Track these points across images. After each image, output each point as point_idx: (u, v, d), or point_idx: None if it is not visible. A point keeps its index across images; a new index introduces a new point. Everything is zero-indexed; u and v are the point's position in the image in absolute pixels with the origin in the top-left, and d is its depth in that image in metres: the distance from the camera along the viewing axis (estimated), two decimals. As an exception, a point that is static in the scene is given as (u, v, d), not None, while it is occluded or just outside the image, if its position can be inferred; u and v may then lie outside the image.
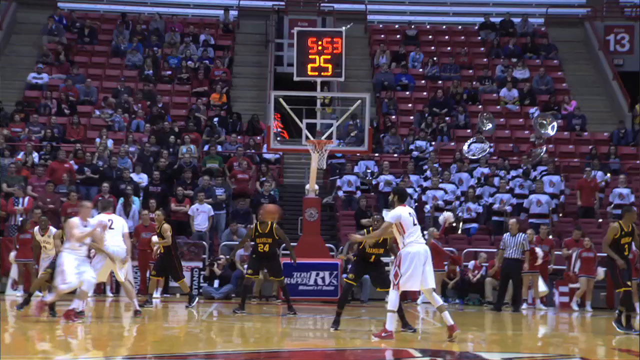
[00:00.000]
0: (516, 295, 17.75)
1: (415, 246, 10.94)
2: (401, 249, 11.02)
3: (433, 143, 24.34)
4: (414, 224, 11.02)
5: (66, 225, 12.79)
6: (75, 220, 12.62)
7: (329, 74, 19.19)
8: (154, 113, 24.62)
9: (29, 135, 23.14)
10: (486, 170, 22.72)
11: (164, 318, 15.37)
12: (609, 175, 22.90)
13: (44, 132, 23.33)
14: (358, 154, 22.70)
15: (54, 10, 28.80)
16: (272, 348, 10.90)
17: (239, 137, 24.06)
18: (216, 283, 18.86)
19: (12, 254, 18.31)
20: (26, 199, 19.76)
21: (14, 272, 18.33)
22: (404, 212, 11.04)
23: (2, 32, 28.31)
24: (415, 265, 10.89)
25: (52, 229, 15.76)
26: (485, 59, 28.85)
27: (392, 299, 11.08)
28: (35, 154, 22.12)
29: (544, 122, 19.62)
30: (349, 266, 14.40)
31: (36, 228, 16.43)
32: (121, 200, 20.05)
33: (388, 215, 11.37)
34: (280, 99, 18.91)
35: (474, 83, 27.28)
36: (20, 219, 19.06)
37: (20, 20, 29.41)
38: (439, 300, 11.23)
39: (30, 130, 23.38)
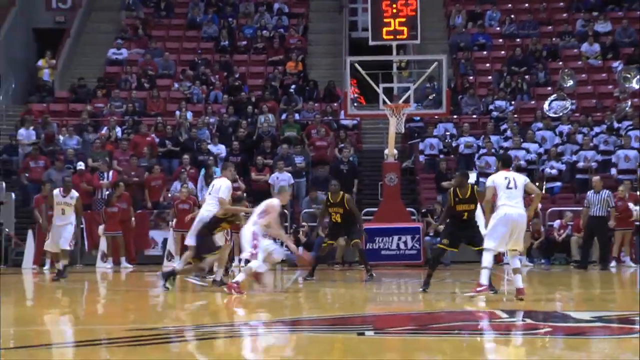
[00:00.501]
0: (604, 254, 17.42)
1: (504, 209, 11.10)
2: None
3: (513, 102, 23.93)
4: (508, 187, 11.17)
5: (269, 207, 12.36)
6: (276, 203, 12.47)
7: (405, 36, 19.00)
8: (231, 84, 24.81)
9: (112, 110, 23.59)
10: (568, 128, 22.24)
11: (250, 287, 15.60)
12: None
13: (126, 106, 23.76)
14: (436, 117, 22.47)
15: (131, -14, 29.18)
16: (357, 313, 10.96)
17: (316, 105, 24.08)
18: (300, 250, 18.96)
19: (101, 227, 18.75)
20: (111, 172, 20.18)
21: (103, 245, 18.79)
22: (497, 177, 11.35)
23: (82, 10, 28.86)
24: (501, 227, 11.06)
25: (74, 192, 15.61)
26: (565, 14, 28.13)
27: (486, 256, 11.28)
28: (118, 129, 22.55)
29: (628, 75, 19.14)
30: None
31: (57, 190, 15.80)
32: (202, 171, 20.31)
33: (488, 180, 11.68)
34: (356, 65, 18.82)
35: (554, 39, 26.65)
36: (107, 192, 19.48)
37: (98, -3, 29.95)
38: (517, 263, 11.35)
39: (112, 105, 23.83)
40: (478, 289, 11.31)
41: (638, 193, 18.92)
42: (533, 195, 11.67)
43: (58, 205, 15.40)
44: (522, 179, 11.43)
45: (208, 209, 12.87)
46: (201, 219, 12.92)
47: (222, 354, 8.03)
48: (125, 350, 8.01)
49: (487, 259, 11.27)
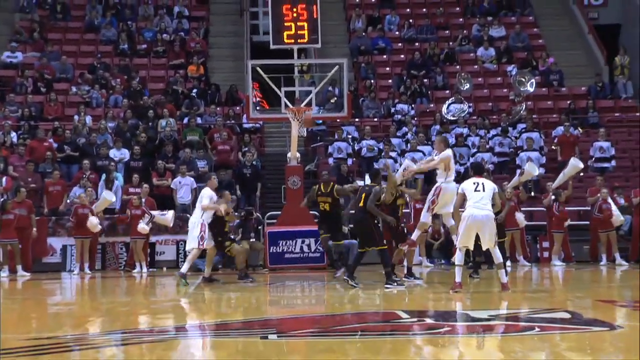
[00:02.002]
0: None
1: (470, 210, 12.30)
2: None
3: (413, 106, 24.36)
4: (476, 190, 12.33)
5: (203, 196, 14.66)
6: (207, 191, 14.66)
7: (306, 40, 19.12)
8: (131, 88, 24.48)
9: (6, 114, 22.96)
10: (465, 130, 22.78)
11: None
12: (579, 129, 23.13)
13: (21, 111, 23.16)
14: (338, 120, 22.68)
15: (25, -13, 28.47)
16: (261, 316, 10.98)
17: (218, 109, 23.98)
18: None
19: None
20: (4, 179, 19.64)
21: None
22: (466, 183, 12.55)
23: (-26, 12, 28.02)
24: (467, 226, 12.28)
25: None
26: (461, 19, 28.82)
27: (458, 255, 12.53)
28: (13, 134, 21.96)
29: (523, 79, 19.66)
30: None
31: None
32: (103, 176, 19.99)
33: (460, 186, 12.74)
34: (258, 68, 18.84)
35: (451, 43, 27.26)
36: (1, 199, 18.95)
37: (-10, -1, 29.11)
38: (499, 258, 12.47)
39: (7, 109, 23.19)
40: (455, 287, 12.29)
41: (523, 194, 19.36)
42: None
43: None
44: (491, 185, 12.53)
45: (195, 216, 14.95)
46: (192, 227, 14.85)
47: (123, 361, 7.94)
48: (23, 361, 7.84)
49: (458, 257, 12.46)
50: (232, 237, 16.95)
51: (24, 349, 8.31)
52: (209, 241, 14.87)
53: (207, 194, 14.90)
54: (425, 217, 13.75)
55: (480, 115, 23.94)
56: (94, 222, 18.05)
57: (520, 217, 18.33)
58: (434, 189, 13.67)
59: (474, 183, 12.44)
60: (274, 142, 24.55)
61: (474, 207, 12.28)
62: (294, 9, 18.81)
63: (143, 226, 18.21)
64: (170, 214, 17.97)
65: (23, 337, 9.12)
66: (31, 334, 9.53)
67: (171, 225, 18.34)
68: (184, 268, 14.94)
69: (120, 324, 10.36)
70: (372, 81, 25.73)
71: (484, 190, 12.34)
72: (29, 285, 16.59)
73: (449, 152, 13.58)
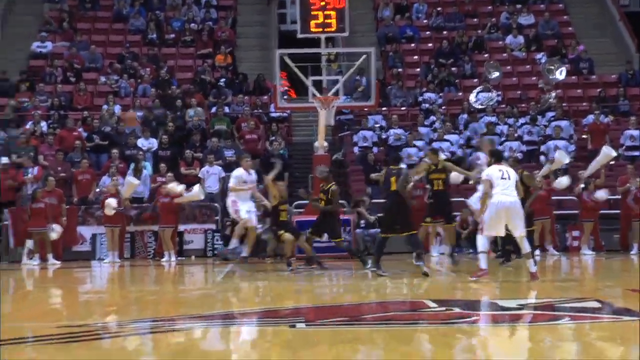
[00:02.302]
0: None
1: (497, 197, 12.30)
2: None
3: (441, 94, 24.25)
4: (502, 178, 12.37)
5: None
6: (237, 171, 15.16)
7: (333, 29, 19.07)
8: (160, 77, 24.58)
9: (36, 104, 23.14)
10: (494, 119, 22.64)
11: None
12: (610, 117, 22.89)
13: (51, 100, 23.34)
14: (366, 109, 22.63)
15: (54, -23, 28.64)
16: (289, 305, 11.01)
17: (245, 98, 24.01)
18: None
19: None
20: (35, 168, 19.82)
21: (29, 242, 18.44)
22: (492, 170, 12.56)
23: (4, 2, 28.21)
24: (495, 213, 12.28)
25: None
26: (489, 7, 28.60)
27: (482, 240, 12.57)
28: (43, 123, 22.14)
29: (552, 67, 19.52)
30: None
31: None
32: (132, 165, 20.11)
33: (483, 173, 12.89)
34: (286, 57, 18.82)
35: (480, 31, 27.07)
36: (33, 188, 19.11)
37: (21, -11, 29.33)
38: (527, 248, 12.46)
39: (37, 99, 23.38)
40: (479, 273, 12.34)
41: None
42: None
43: None
44: (514, 173, 12.64)
45: (227, 198, 15.54)
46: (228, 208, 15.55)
47: (151, 350, 7.99)
48: (55, 348, 7.92)
49: (483, 244, 12.49)
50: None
51: (55, 336, 8.40)
52: (245, 217, 15.15)
53: (234, 174, 15.34)
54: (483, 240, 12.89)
55: (509, 104, 23.78)
56: (112, 204, 18.08)
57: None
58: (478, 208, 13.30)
59: (500, 170, 12.48)
60: (302, 131, 24.55)
61: (501, 193, 12.29)
62: (322, -2, 18.75)
63: (173, 186, 18.20)
64: (196, 188, 18.01)
65: (54, 325, 9.21)
66: (62, 322, 9.62)
67: (202, 197, 18.30)
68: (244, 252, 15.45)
69: (149, 313, 10.43)
70: (400, 70, 25.63)
71: (509, 178, 12.38)
72: (60, 274, 16.75)
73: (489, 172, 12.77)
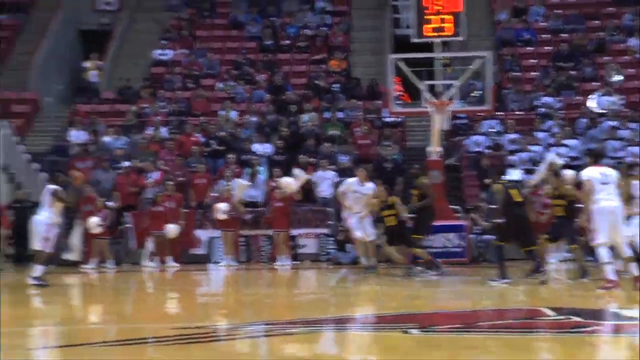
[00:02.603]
0: None
1: (601, 202, 11.84)
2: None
3: (560, 99, 23.65)
4: (603, 182, 11.89)
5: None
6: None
7: (449, 33, 18.88)
8: (274, 83, 24.89)
9: (156, 110, 23.78)
10: (616, 123, 21.92)
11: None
12: None
13: (170, 106, 23.94)
14: (481, 114, 22.30)
15: (175, -14, 29.40)
16: (402, 311, 10.93)
17: (359, 103, 24.04)
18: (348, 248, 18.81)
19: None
20: (156, 173, 20.35)
21: (149, 244, 18.95)
22: (592, 172, 12.05)
23: (127, 12, 29.17)
24: (603, 220, 11.82)
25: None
26: (611, 8, 27.72)
27: (602, 252, 11.93)
28: (163, 129, 22.73)
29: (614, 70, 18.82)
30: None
31: None
32: (247, 170, 20.41)
33: (582, 174, 12.38)
34: (400, 62, 18.74)
35: (601, 34, 26.29)
36: (153, 192, 19.60)
37: (143, -2, 30.28)
38: (627, 251, 12.11)
39: (157, 105, 24.03)
40: (608, 285, 11.82)
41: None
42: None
43: None
44: (614, 173, 12.16)
45: None
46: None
47: (265, 353, 8.06)
48: (173, 349, 8.08)
49: (604, 254, 11.89)
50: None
51: (173, 337, 8.58)
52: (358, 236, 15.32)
53: (346, 181, 15.97)
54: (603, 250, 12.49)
55: (632, 107, 22.98)
56: (221, 209, 18.48)
57: None
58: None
59: (600, 173, 12.06)
60: (415, 136, 24.38)
61: (606, 199, 11.89)
62: (438, 2, 18.60)
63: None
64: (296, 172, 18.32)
65: (172, 327, 9.42)
66: (180, 324, 9.83)
67: (296, 187, 18.44)
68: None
69: (264, 316, 10.54)
70: (517, 73, 25.15)
71: (610, 182, 11.97)
72: (178, 276, 17.16)
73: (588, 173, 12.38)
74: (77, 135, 22.28)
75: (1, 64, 26.83)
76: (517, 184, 13.68)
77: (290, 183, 18.25)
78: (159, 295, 14.06)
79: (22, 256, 19.34)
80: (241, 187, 18.89)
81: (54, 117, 24.98)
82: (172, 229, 18.53)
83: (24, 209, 19.16)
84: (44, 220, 14.07)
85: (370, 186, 16.00)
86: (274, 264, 18.62)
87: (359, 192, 15.50)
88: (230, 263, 18.61)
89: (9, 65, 27.12)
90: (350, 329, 9.45)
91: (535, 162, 20.16)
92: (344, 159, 21.23)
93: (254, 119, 22.98)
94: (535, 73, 25.50)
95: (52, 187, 14.30)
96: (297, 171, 18.56)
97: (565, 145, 21.00)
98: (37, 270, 14.05)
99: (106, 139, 22.33)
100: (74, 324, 10.13)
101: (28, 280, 14.01)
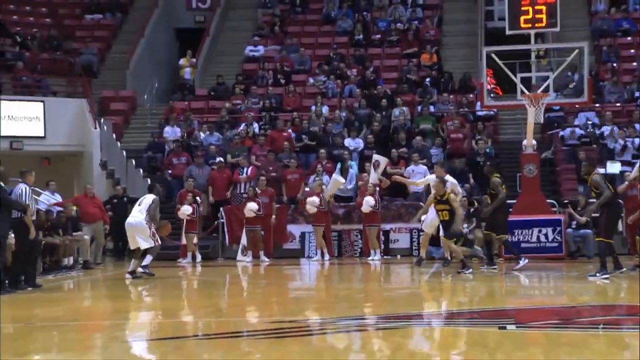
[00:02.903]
0: None
1: None
2: None
3: (660, 89, 22.92)
4: None
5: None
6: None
7: (543, 24, 18.50)
8: (366, 77, 24.86)
9: (249, 106, 24.05)
10: None
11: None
12: None
13: (262, 102, 24.17)
14: (577, 106, 21.80)
15: (267, -16, 29.65)
16: (499, 306, 10.78)
17: (451, 96, 23.80)
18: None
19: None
20: (249, 168, 20.58)
21: (243, 239, 19.17)
22: None
23: (220, 9, 29.59)
24: None
25: None
26: None
27: None
28: (255, 125, 22.97)
29: None
30: None
31: None
32: (339, 164, 20.44)
33: None
34: (493, 55, 18.47)
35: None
36: (250, 186, 19.77)
37: (236, -4, 30.66)
38: None
39: (249, 101, 24.29)
40: None
41: None
42: None
43: None
44: None
45: None
46: None
47: (359, 347, 8.06)
48: (268, 342, 8.16)
49: None
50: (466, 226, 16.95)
51: (268, 331, 8.66)
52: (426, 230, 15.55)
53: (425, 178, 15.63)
54: None
55: None
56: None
57: None
58: None
59: None
60: (509, 130, 24.00)
61: None
62: (532, -8, 18.24)
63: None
64: (333, 176, 18.45)
65: (267, 320, 9.51)
66: (274, 317, 9.92)
67: (343, 181, 18.68)
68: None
69: (356, 311, 10.55)
70: (615, 64, 24.48)
71: None
72: (271, 271, 17.32)
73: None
74: (171, 132, 22.72)
75: (100, 63, 27.54)
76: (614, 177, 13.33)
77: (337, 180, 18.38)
78: (253, 289, 14.22)
79: (121, 251, 19.89)
80: (336, 183, 18.92)
81: (151, 114, 25.54)
82: (250, 207, 18.66)
83: (123, 205, 19.67)
84: (141, 222, 14.58)
85: (452, 180, 15.80)
86: (366, 258, 18.61)
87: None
88: (323, 257, 18.65)
89: (107, 64, 27.86)
90: (444, 324, 9.37)
91: (635, 155, 19.64)
92: (437, 153, 21.06)
93: (345, 114, 23.00)
94: (634, 64, 24.79)
95: (153, 197, 14.87)
96: (376, 157, 18.52)
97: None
98: (147, 259, 14.72)
99: (200, 135, 22.70)
100: (169, 317, 10.34)
101: (138, 269, 14.57)
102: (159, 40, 28.75)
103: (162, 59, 28.59)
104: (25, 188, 13.05)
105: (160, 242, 14.94)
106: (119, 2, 29.98)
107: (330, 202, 19.02)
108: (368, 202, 18.27)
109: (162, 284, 14.40)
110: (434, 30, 27.10)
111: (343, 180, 19.18)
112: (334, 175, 19.37)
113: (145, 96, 26.33)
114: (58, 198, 18.71)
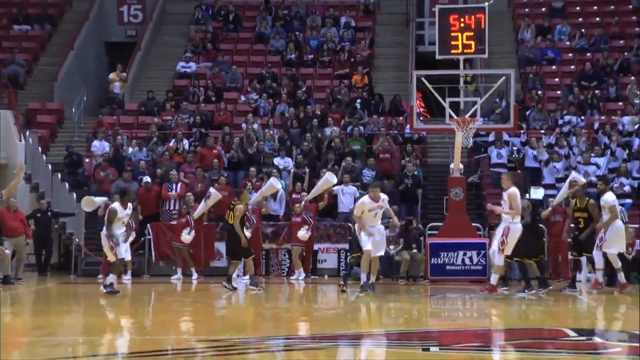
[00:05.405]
0: None
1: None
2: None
3: (582, 117, 23.53)
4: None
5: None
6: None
7: (472, 51, 18.85)
8: (297, 97, 24.93)
9: (179, 122, 23.88)
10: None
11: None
12: None
13: (193, 119, 24.02)
14: (503, 132, 22.22)
15: (200, 0, 29.56)
16: (422, 328, 10.88)
17: (381, 118, 24.03)
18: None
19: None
20: (179, 184, 20.40)
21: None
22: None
23: (152, 24, 29.36)
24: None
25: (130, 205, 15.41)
26: (637, 28, 27.61)
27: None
28: (185, 141, 22.81)
29: (638, 92, 18.74)
30: None
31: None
32: (267, 182, 20.37)
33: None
34: (423, 79, 18.74)
35: (626, 54, 26.15)
36: (181, 204, 19.60)
37: (169, 11, 30.45)
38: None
39: (179, 117, 24.12)
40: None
41: None
42: None
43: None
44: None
45: None
46: None
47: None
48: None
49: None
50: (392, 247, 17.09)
51: (192, 350, 8.54)
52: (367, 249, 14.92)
53: (358, 202, 15.41)
54: (499, 260, 13.93)
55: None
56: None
57: None
58: (501, 229, 13.75)
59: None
60: (437, 153, 24.34)
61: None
62: (462, 19, 18.58)
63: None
64: (270, 180, 17.97)
65: (192, 339, 9.38)
66: (201, 336, 9.78)
67: (279, 186, 18.30)
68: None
69: (282, 331, 10.52)
70: (540, 92, 25.07)
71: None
72: (200, 288, 17.16)
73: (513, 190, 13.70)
74: (99, 146, 22.41)
75: (27, 75, 27.05)
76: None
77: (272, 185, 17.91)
78: (180, 307, 14.08)
79: (43, 266, 19.49)
80: (272, 187, 18.19)
81: (78, 128, 25.15)
82: (186, 238, 18.57)
83: (46, 219, 19.28)
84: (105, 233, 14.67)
85: (384, 197, 15.53)
86: (291, 278, 18.59)
87: (373, 209, 15.12)
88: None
89: (34, 76, 27.38)
90: (369, 345, 9.40)
91: (558, 180, 20.09)
92: (367, 174, 21.19)
93: (276, 132, 23.01)
94: (558, 92, 25.43)
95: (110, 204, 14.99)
96: (328, 174, 18.05)
97: (594, 164, 20.80)
98: (110, 278, 14.68)
99: (129, 150, 22.43)
100: (90, 335, 10.15)
101: (101, 289, 14.51)
102: (89, 54, 28.38)
103: (92, 72, 28.23)
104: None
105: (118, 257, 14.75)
106: (48, 14, 29.52)
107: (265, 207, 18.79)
108: (302, 234, 18.32)
109: (86, 300, 14.13)
110: (366, 52, 27.35)
111: (279, 185, 18.69)
112: (272, 178, 18.80)
113: (74, 109, 25.91)
114: (-21, 211, 18.26)
